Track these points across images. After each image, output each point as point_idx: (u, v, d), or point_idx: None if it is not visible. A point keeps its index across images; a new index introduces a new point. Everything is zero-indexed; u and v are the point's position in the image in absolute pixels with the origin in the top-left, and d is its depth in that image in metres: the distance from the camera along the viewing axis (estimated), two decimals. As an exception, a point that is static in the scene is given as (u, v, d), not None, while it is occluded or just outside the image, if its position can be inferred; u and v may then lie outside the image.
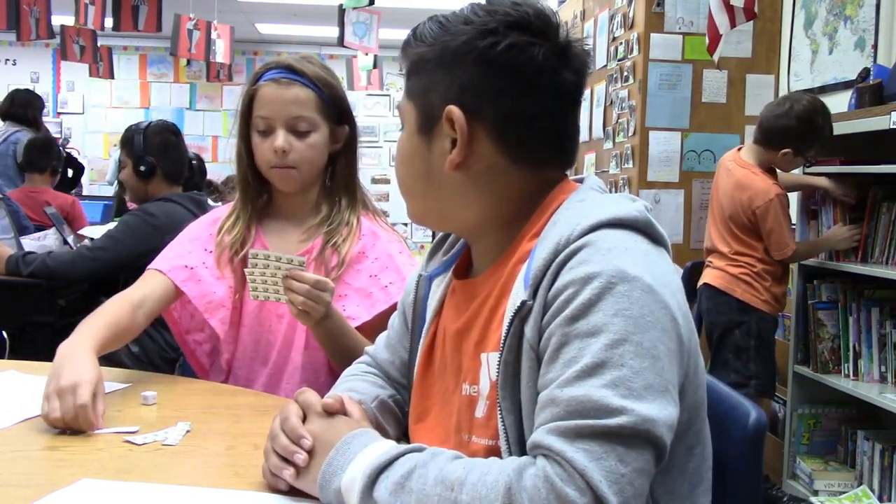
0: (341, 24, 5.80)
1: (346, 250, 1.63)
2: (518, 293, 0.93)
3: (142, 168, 2.82)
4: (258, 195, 1.71)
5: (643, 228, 0.94)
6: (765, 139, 3.00)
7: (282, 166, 1.61)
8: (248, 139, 1.65)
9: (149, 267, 1.67)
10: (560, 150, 1.04)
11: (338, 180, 1.69)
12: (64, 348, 1.32)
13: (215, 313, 1.65)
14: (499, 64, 0.97)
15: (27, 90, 5.82)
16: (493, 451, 0.95)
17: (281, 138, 1.59)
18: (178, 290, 1.63)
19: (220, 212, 1.75)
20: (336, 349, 1.52)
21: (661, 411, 0.82)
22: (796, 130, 2.90)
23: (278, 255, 1.44)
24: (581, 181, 1.05)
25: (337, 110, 1.66)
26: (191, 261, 1.67)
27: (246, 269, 1.47)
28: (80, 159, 7.34)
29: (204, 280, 1.65)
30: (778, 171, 3.07)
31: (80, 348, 1.32)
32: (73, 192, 5.61)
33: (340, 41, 5.85)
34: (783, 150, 2.94)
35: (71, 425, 1.20)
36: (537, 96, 0.99)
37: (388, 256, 1.63)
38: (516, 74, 0.98)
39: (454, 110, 0.99)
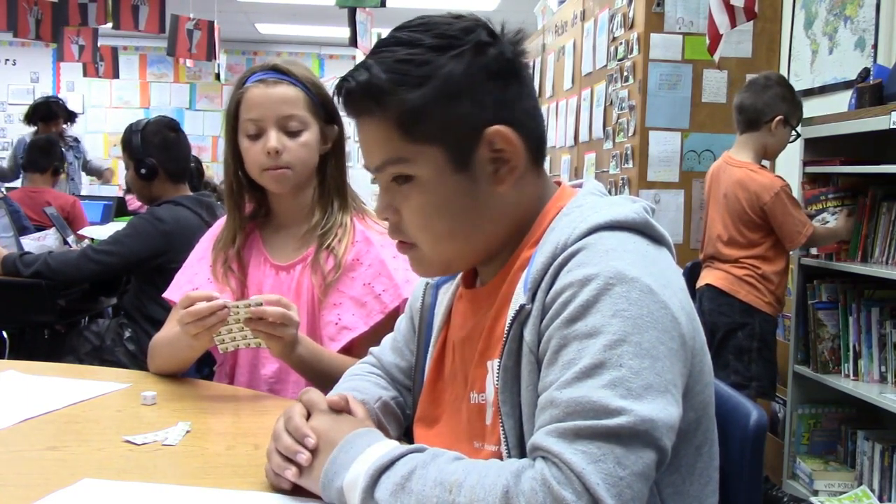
0: (353, 25, 5.71)
1: (343, 251, 1.61)
2: (518, 298, 0.93)
3: (143, 171, 2.77)
4: (244, 201, 1.68)
5: (642, 229, 0.94)
6: (753, 119, 3.08)
7: (275, 168, 1.58)
8: (235, 145, 1.63)
9: (164, 296, 1.71)
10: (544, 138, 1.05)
11: (329, 183, 1.66)
12: None
13: None
14: (505, 71, 0.99)
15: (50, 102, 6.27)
16: (500, 457, 0.95)
17: (273, 138, 1.57)
18: None
19: (220, 226, 1.75)
20: (314, 375, 1.48)
21: (661, 412, 0.82)
22: (781, 94, 3.07)
23: (234, 303, 1.38)
24: (579, 186, 1.05)
25: (325, 109, 1.64)
26: (198, 282, 1.67)
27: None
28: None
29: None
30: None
31: None
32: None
33: (353, 42, 5.76)
34: (775, 118, 3.03)
35: None
36: (527, 87, 1.01)
37: (381, 263, 1.61)
38: (516, 74, 1.00)
39: (499, 129, 0.97)
